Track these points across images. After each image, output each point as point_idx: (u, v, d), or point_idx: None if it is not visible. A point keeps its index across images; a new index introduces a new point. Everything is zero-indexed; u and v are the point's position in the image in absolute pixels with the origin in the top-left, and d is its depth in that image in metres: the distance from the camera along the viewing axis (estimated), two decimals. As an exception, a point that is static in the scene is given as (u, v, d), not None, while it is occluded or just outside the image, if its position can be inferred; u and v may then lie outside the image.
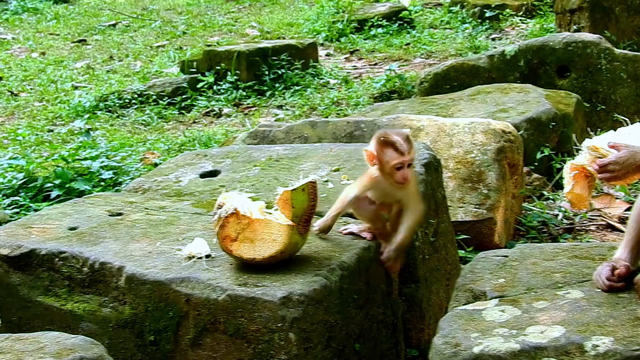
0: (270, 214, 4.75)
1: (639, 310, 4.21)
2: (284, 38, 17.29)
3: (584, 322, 4.13)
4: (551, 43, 10.44)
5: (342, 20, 17.75)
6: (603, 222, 7.96)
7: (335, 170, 6.10)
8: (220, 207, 4.75)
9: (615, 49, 10.46)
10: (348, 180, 5.89)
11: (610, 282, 4.44)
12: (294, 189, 4.72)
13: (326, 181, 5.95)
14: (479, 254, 5.14)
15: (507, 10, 17.65)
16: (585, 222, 8.00)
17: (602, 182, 4.52)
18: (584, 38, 10.46)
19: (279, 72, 14.00)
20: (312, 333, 4.59)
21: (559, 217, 8.09)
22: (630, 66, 10.15)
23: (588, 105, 10.03)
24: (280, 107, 13.07)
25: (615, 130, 4.54)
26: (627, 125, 4.62)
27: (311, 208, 4.80)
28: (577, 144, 4.46)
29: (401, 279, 5.55)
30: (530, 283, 4.62)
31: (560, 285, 4.57)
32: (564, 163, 8.57)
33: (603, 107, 10.18)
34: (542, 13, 17.43)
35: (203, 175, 6.33)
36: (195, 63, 14.54)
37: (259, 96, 13.63)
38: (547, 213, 8.07)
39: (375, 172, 4.91)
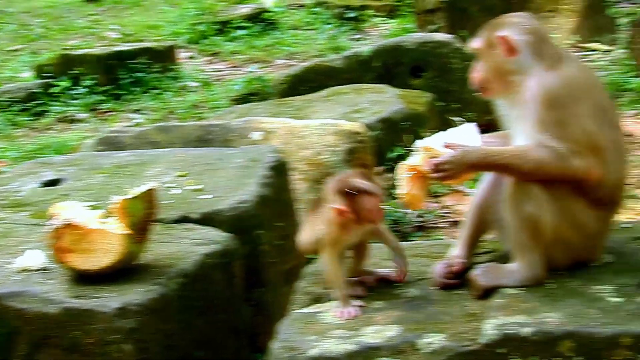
0: (106, 223, 4.67)
1: (471, 306, 4.30)
2: (145, 41, 17.06)
3: (419, 320, 4.20)
4: (405, 43, 10.57)
5: (205, 22, 17.61)
6: (453, 219, 8.07)
7: (181, 176, 6.06)
8: (53, 217, 4.65)
9: (467, 49, 10.60)
10: (194, 185, 5.85)
11: (446, 279, 4.53)
12: (130, 198, 4.66)
13: (171, 187, 5.90)
14: (320, 257, 5.15)
15: (369, 10, 17.78)
16: (435, 219, 8.10)
17: (437, 181, 4.54)
18: (438, 38, 10.63)
19: (138, 76, 13.80)
20: (150, 343, 4.54)
21: (410, 216, 8.17)
22: (482, 65, 10.32)
23: (442, 104, 10.16)
24: (137, 111, 12.90)
25: (446, 129, 4.61)
26: (461, 124, 4.66)
27: (149, 216, 4.75)
28: (409, 145, 4.48)
29: (248, 283, 5.54)
30: (369, 283, 4.66)
31: (397, 284, 4.62)
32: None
33: (457, 105, 10.33)
34: (402, 13, 17.60)
35: (44, 185, 6.21)
36: (50, 67, 14.17)
37: (116, 101, 13.42)
38: (399, 212, 8.14)
39: (336, 226, 4.42)
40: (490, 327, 3.96)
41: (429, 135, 4.60)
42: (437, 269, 4.58)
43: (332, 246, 4.44)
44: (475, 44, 4.52)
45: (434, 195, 8.66)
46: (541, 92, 4.28)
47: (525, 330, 3.92)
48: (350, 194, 4.36)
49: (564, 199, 4.34)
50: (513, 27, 4.42)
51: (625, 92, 11.61)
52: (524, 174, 4.27)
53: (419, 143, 4.49)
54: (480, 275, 4.39)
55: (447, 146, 4.36)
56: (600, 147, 4.32)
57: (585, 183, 4.33)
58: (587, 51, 14.30)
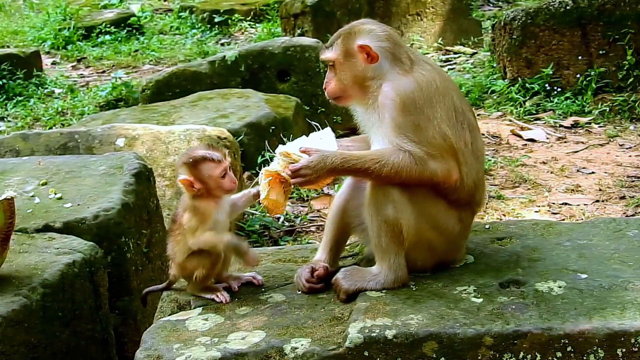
0: (-37, 234, 4.54)
1: (336, 309, 4.32)
2: (8, 47, 16.69)
3: (284, 325, 4.19)
4: (270, 48, 10.57)
5: (69, 28, 17.34)
6: (323, 222, 8.10)
7: (43, 184, 5.93)
8: None
9: (333, 53, 10.67)
10: (55, 194, 5.73)
11: (310, 283, 4.53)
12: (-13, 207, 4.54)
13: (33, 196, 5.77)
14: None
15: (236, 15, 17.79)
16: (305, 223, 8.13)
17: (297, 186, 4.58)
18: (302, 42, 10.65)
19: (1, 83, 13.47)
20: (12, 355, 4.43)
21: (280, 220, 8.19)
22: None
23: (308, 108, 10.21)
24: (1, 119, 12.60)
25: (307, 135, 4.62)
26: (319, 129, 4.67)
27: (8, 226, 4.63)
28: (271, 151, 4.48)
29: (113, 292, 5.46)
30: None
31: (263, 289, 4.62)
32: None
33: (323, 109, 10.39)
34: (269, 17, 17.65)
35: None
36: None
37: (-21, 109, 13.11)
38: (269, 217, 8.14)
39: (202, 202, 4.48)
40: (355, 331, 3.98)
41: (291, 141, 4.60)
42: (301, 273, 4.58)
43: (201, 222, 4.46)
44: (328, 54, 4.51)
45: (304, 200, 8.69)
46: (396, 97, 4.33)
47: (389, 333, 3.95)
48: (193, 164, 4.42)
49: (423, 201, 4.38)
50: (369, 34, 4.45)
51: (490, 94, 11.83)
52: (382, 178, 4.29)
53: (279, 149, 4.48)
54: (342, 279, 4.41)
55: (303, 151, 4.37)
56: (456, 149, 4.38)
57: (443, 185, 4.39)
58: (453, 54, 14.54)
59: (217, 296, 4.50)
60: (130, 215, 5.64)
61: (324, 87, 4.61)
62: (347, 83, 4.50)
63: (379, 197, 4.33)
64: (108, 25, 17.46)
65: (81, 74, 15.27)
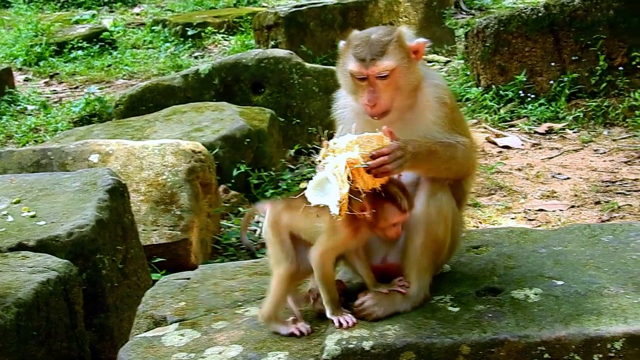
0: None
1: (314, 322, 4.29)
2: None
3: (261, 339, 4.18)
4: (244, 60, 10.55)
5: (41, 44, 17.25)
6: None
7: (15, 202, 5.90)
8: None
9: (307, 64, 10.70)
10: (29, 212, 5.70)
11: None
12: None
13: (6, 214, 5.74)
14: (161, 279, 5.10)
15: (209, 28, 17.74)
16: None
17: (380, 174, 3.95)
18: (276, 54, 10.63)
19: (-30, 101, 13.43)
20: (-13, 376, 4.40)
21: (257, 233, 8.15)
22: (322, 79, 10.40)
23: (283, 119, 10.19)
24: (-27, 137, 12.55)
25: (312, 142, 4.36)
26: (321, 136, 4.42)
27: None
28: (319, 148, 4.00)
29: (89, 309, 5.42)
30: (211, 304, 4.62)
31: (240, 303, 4.61)
32: (262, 178, 8.72)
33: (298, 120, 10.38)
34: (243, 30, 17.63)
35: None
36: None
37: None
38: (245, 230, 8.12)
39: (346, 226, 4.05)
40: (332, 343, 3.96)
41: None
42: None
43: (336, 246, 4.14)
44: (387, 63, 4.13)
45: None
46: (441, 95, 4.26)
47: (367, 344, 3.94)
48: (379, 197, 4.00)
49: (456, 213, 4.39)
50: (407, 33, 4.28)
51: (465, 102, 11.86)
52: (444, 165, 4.20)
53: (338, 143, 3.97)
54: (374, 305, 4.19)
55: (390, 137, 4.03)
56: (476, 144, 4.43)
57: (466, 180, 4.45)
58: (427, 63, 14.54)
59: (298, 329, 4.22)
60: (104, 231, 5.62)
61: (370, 104, 4.18)
62: (404, 90, 4.24)
63: (432, 215, 4.20)
64: (80, 41, 17.38)
65: (54, 90, 15.19)
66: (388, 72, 4.15)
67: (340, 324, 4.08)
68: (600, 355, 3.86)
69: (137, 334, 4.49)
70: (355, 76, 4.22)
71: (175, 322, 4.47)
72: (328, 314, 4.13)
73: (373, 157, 3.90)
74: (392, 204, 4.01)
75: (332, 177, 3.87)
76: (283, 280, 4.20)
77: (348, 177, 3.85)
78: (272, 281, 4.24)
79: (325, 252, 4.10)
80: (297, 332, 4.17)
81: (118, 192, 6.03)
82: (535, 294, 4.26)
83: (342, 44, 4.39)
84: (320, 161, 3.98)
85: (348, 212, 3.87)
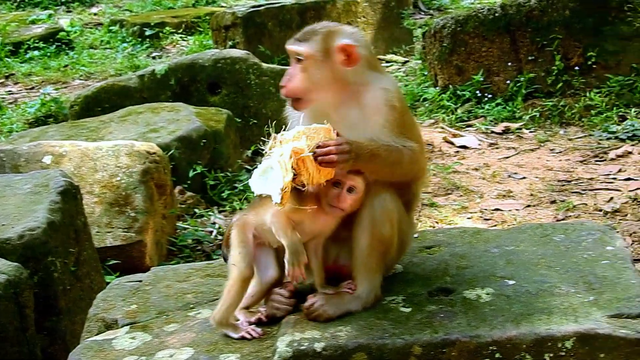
0: None
1: (265, 324, 4.28)
2: None
3: (213, 342, 4.16)
4: (200, 60, 10.50)
5: (-4, 44, 17.12)
6: (255, 235, 8.04)
7: (-34, 206, 5.83)
8: None
9: (264, 64, 10.66)
10: (-20, 215, 5.64)
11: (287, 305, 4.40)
12: None
13: (-44, 217, 5.67)
14: (113, 281, 5.06)
15: (167, 28, 17.65)
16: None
17: (325, 166, 3.97)
18: (233, 54, 10.59)
19: None
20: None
21: (213, 234, 8.13)
22: (279, 80, 10.10)
23: (240, 120, 10.15)
24: None
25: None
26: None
27: None
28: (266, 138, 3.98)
29: (41, 313, 5.36)
30: (163, 306, 4.60)
31: (192, 306, 4.58)
32: (219, 179, 8.69)
33: (255, 121, 10.34)
34: (201, 30, 17.56)
35: None
36: None
37: None
38: (201, 231, 8.09)
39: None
40: (283, 345, 3.95)
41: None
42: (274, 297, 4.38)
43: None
44: (303, 48, 4.22)
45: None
46: (389, 101, 4.26)
47: (318, 346, 3.93)
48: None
49: (403, 213, 4.39)
50: (351, 36, 4.29)
51: (422, 102, 11.89)
52: (387, 168, 4.21)
53: (286, 134, 4.00)
54: (324, 305, 4.18)
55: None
56: (425, 148, 4.45)
57: (420, 181, 4.49)
58: (385, 63, 14.59)
59: (249, 333, 4.20)
60: (56, 234, 5.56)
61: (283, 84, 4.28)
62: (318, 84, 4.24)
63: (377, 215, 4.21)
64: (36, 41, 17.21)
65: (9, 91, 15.03)
66: (301, 56, 4.21)
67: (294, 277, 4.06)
68: (551, 355, 3.88)
69: (88, 338, 4.46)
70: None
71: (127, 325, 4.44)
72: (287, 261, 4.05)
73: (319, 147, 3.92)
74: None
75: (276, 165, 3.88)
76: (237, 283, 4.17)
77: (293, 168, 3.86)
78: (227, 284, 4.22)
79: (277, 213, 4.06)
80: (248, 336, 4.15)
81: (70, 194, 5.97)
82: (487, 294, 4.27)
83: None
84: (267, 152, 3.98)
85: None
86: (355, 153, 4.03)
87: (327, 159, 3.92)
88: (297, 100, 4.29)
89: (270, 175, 3.91)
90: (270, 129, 4.07)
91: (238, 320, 4.25)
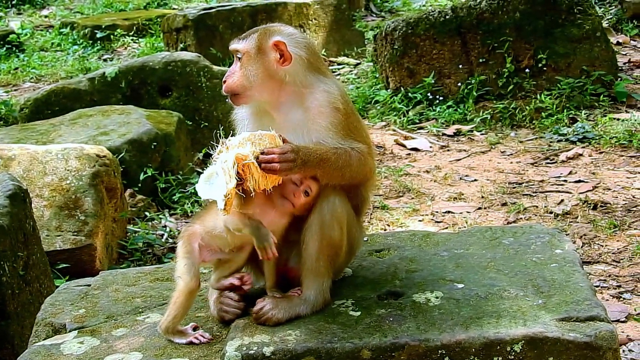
0: None
1: (215, 328, 4.30)
2: None
3: (161, 346, 4.14)
4: (151, 63, 10.45)
5: (-55, 46, 16.94)
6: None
7: None
8: None
9: (214, 67, 10.63)
10: None
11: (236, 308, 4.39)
12: None
13: None
14: (61, 285, 5.02)
15: (119, 30, 17.54)
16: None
17: (269, 172, 4.00)
18: (183, 57, 10.55)
19: None
20: None
21: (164, 237, 8.10)
22: (230, 83, 10.28)
23: (191, 123, 10.13)
24: None
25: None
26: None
27: None
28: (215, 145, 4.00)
29: (-11, 317, 5.32)
30: (111, 311, 4.57)
31: (140, 310, 4.56)
32: (170, 182, 8.65)
33: (206, 124, 10.32)
34: (152, 32, 17.49)
35: None
36: None
37: None
38: (152, 234, 8.05)
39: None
40: (232, 349, 3.92)
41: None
42: (223, 300, 4.37)
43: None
44: (239, 45, 4.32)
45: (188, 215, 8.61)
46: (332, 103, 4.27)
47: (267, 350, 3.91)
48: None
49: (353, 216, 4.39)
50: (287, 36, 4.33)
51: (374, 104, 11.91)
52: (336, 172, 4.20)
53: (232, 140, 4.03)
54: (273, 309, 4.18)
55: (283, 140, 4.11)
56: (374, 150, 4.45)
57: (369, 183, 4.47)
58: (337, 65, 14.62)
59: (197, 338, 4.20)
60: (4, 238, 5.50)
61: (223, 80, 4.36)
62: (254, 81, 4.28)
63: (326, 218, 4.21)
64: (-13, 43, 17.12)
65: (-41, 93, 14.90)
66: (238, 53, 4.30)
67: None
68: (500, 358, 3.89)
69: (36, 342, 4.42)
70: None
71: (75, 329, 4.41)
72: (257, 247, 4.05)
73: (263, 154, 3.94)
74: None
75: (220, 172, 3.89)
76: (183, 295, 4.17)
77: (239, 175, 3.88)
78: (173, 295, 4.20)
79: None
80: (196, 341, 4.14)
81: (19, 198, 5.91)
82: (436, 297, 4.28)
83: None
84: (215, 157, 4.01)
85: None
86: (302, 159, 4.05)
87: (269, 167, 3.95)
88: (235, 95, 4.34)
89: (215, 181, 3.93)
90: (220, 133, 4.08)
91: (184, 327, 4.23)
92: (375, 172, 4.54)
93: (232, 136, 4.08)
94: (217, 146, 4.03)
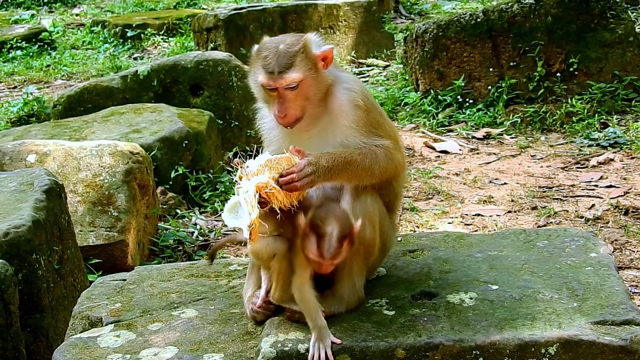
0: None
1: (249, 324, 4.31)
2: None
3: (197, 341, 4.18)
4: (183, 62, 10.49)
5: (-22, 44, 17.09)
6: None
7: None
8: None
9: (245, 66, 10.63)
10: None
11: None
12: None
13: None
14: (97, 280, 5.07)
15: (149, 29, 17.64)
16: (220, 238, 8.08)
17: (291, 191, 4.05)
18: (215, 56, 10.58)
19: None
20: None
21: (194, 235, 8.14)
22: (246, 82, 10.31)
23: (222, 122, 10.17)
24: None
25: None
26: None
27: None
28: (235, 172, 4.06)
29: (24, 310, 5.36)
30: (147, 305, 4.61)
31: (176, 305, 4.59)
32: (200, 181, 8.69)
33: (236, 123, 10.35)
34: (182, 32, 17.57)
35: None
36: None
37: None
38: (183, 231, 8.09)
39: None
40: (267, 345, 3.97)
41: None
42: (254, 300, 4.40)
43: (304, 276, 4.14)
44: (294, 75, 4.15)
45: (217, 214, 8.65)
46: (354, 99, 4.28)
47: (302, 347, 3.95)
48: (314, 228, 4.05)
49: (384, 216, 4.41)
50: (315, 40, 4.31)
51: (403, 107, 11.92)
52: (365, 172, 4.22)
53: (250, 166, 4.08)
54: None
55: (298, 153, 4.13)
56: (401, 143, 4.46)
57: (399, 177, 4.48)
58: (366, 67, 14.63)
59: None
60: (41, 232, 5.55)
61: (280, 115, 4.19)
62: (313, 98, 4.27)
63: (358, 217, 4.19)
64: (19, 41, 17.22)
65: (-9, 90, 15.04)
66: (296, 83, 4.19)
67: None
68: None
69: (73, 335, 4.46)
70: (265, 88, 4.26)
71: (111, 323, 4.45)
72: (312, 341, 4.02)
73: (282, 176, 4.00)
74: (316, 243, 4.03)
75: (243, 202, 3.97)
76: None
77: (262, 199, 3.96)
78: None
79: (299, 284, 4.10)
80: None
81: (55, 193, 5.96)
82: (471, 299, 4.30)
83: (254, 49, 4.39)
84: (236, 181, 4.07)
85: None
86: (325, 167, 4.09)
87: (291, 187, 4.01)
88: (297, 120, 4.27)
89: (239, 211, 4.01)
90: (231, 158, 4.15)
91: None
92: (405, 165, 4.53)
93: (248, 163, 4.11)
94: (236, 169, 4.09)
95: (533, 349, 3.90)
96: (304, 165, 4.04)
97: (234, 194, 4.09)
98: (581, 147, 10.14)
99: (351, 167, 4.18)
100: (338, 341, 3.98)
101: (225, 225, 8.22)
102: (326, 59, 4.29)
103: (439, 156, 10.24)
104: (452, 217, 8.36)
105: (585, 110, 10.75)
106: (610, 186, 8.90)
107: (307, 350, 3.93)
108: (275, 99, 4.23)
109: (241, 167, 4.07)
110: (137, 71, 10.49)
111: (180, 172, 8.76)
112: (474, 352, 3.92)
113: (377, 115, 4.41)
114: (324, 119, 4.30)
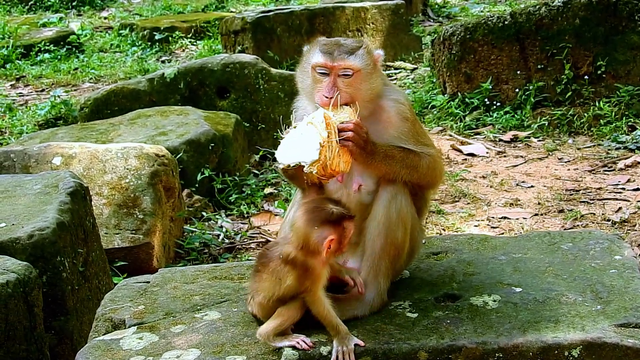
0: None
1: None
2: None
3: (220, 343, 4.17)
4: (210, 65, 10.51)
5: (8, 46, 17.15)
6: (263, 239, 8.07)
7: (-25, 205, 5.85)
8: None
9: (272, 69, 10.68)
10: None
11: None
12: None
13: (-34, 216, 5.68)
14: (121, 282, 5.08)
15: (177, 32, 17.70)
16: (245, 240, 8.09)
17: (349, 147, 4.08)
18: (242, 59, 10.60)
19: None
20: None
21: (220, 238, 8.14)
22: (287, 85, 10.35)
23: (248, 124, 10.18)
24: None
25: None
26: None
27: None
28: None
29: (49, 312, 5.38)
30: (170, 307, 4.61)
31: (199, 307, 4.59)
32: (227, 183, 8.71)
33: (263, 126, 10.37)
34: (210, 34, 17.62)
35: None
36: None
37: None
38: (208, 234, 8.10)
39: (315, 261, 4.04)
40: (290, 348, 3.96)
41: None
42: None
43: (319, 283, 4.04)
44: (354, 62, 4.19)
45: (244, 217, 8.66)
46: (402, 110, 4.32)
47: (324, 349, 3.94)
48: (337, 221, 3.98)
49: (416, 220, 4.41)
50: (369, 46, 4.35)
51: (430, 109, 11.90)
52: (409, 170, 4.27)
53: (316, 115, 4.05)
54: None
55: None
56: (441, 154, 4.48)
57: (432, 187, 4.55)
58: (394, 70, 14.60)
59: (299, 343, 4.03)
60: (65, 234, 5.57)
61: (326, 96, 4.16)
62: (364, 95, 4.27)
63: (392, 219, 4.25)
64: (47, 44, 17.30)
65: (20, 93, 15.08)
66: (352, 71, 4.21)
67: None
68: (557, 362, 3.89)
69: (96, 337, 4.47)
70: (318, 68, 4.25)
71: (134, 325, 4.45)
72: (334, 344, 3.99)
73: (342, 123, 4.05)
74: (346, 220, 4.01)
75: (308, 128, 3.96)
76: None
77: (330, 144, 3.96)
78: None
79: (313, 294, 4.04)
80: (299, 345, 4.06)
81: (80, 195, 5.99)
82: (494, 301, 4.28)
83: (307, 47, 4.43)
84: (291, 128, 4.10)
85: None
86: (371, 148, 4.13)
87: (345, 136, 4.00)
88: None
89: (301, 141, 3.97)
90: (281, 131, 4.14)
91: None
92: (443, 177, 4.55)
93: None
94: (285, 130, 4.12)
95: (556, 352, 3.89)
96: (362, 126, 4.10)
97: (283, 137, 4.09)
98: (608, 150, 10.07)
99: (390, 161, 4.23)
100: (362, 343, 3.97)
101: (252, 227, 8.29)
102: (377, 62, 4.34)
103: (465, 159, 10.20)
104: (478, 220, 8.33)
105: (613, 113, 10.68)
106: (638, 189, 8.84)
107: (330, 352, 3.93)
108: (325, 84, 4.23)
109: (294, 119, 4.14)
110: (163, 74, 10.52)
111: (207, 174, 8.77)
112: (497, 354, 3.90)
113: (420, 127, 4.46)
114: (371, 128, 4.26)
